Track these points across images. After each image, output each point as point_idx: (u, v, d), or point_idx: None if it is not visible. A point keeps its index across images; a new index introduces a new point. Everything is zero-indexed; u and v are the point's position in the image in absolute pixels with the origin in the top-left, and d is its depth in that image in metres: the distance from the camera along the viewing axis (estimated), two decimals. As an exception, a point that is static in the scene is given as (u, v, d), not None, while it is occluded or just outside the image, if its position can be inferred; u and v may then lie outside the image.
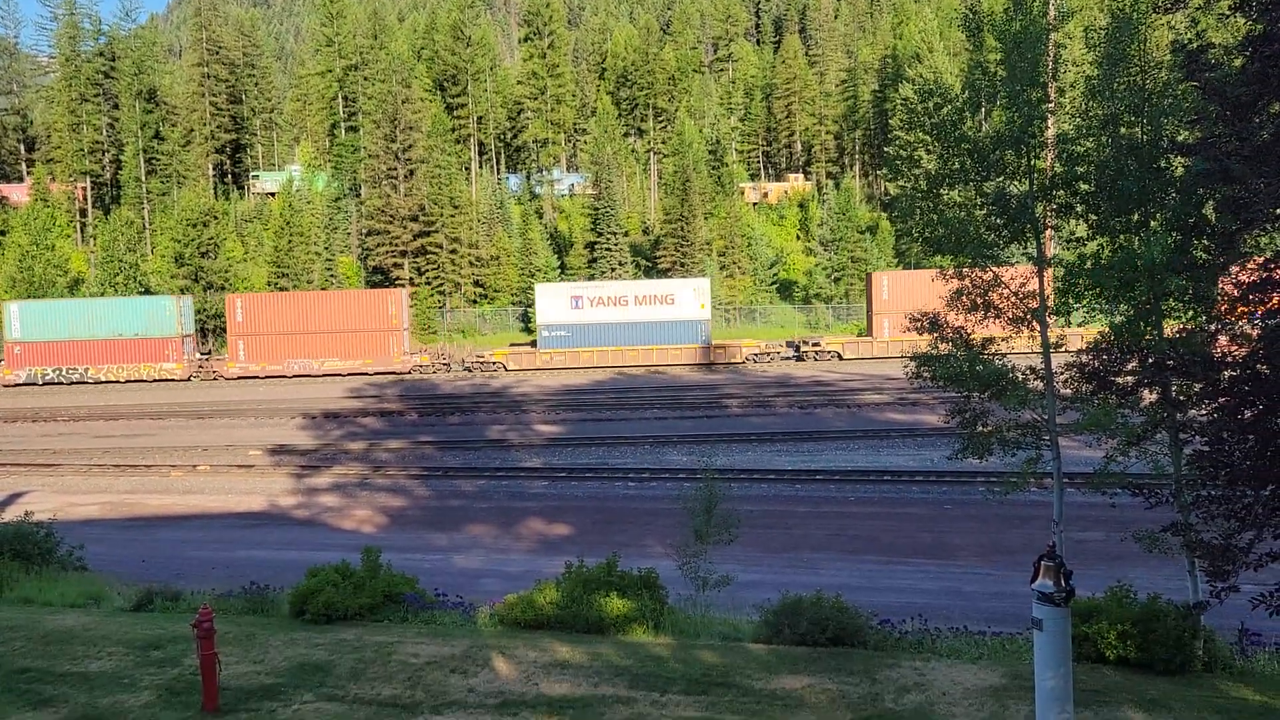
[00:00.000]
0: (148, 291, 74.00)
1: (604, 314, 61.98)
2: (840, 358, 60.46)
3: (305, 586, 14.08)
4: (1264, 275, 10.35)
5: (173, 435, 39.95)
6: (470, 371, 61.34)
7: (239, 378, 60.88)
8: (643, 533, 22.98)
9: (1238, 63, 10.87)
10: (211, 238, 74.80)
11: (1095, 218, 12.86)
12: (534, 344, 64.45)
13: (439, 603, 14.72)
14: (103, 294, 72.18)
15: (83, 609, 15.28)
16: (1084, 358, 12.85)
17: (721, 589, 15.18)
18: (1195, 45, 11.29)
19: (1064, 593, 10.10)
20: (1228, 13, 10.65)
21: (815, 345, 61.96)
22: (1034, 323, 13.26)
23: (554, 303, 62.50)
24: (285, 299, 64.42)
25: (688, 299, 62.11)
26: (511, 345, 68.47)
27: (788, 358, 61.49)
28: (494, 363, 61.49)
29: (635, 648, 12.53)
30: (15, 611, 14.92)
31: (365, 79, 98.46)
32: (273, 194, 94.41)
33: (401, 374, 60.52)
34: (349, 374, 60.66)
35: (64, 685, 11.54)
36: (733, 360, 60.49)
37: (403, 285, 77.56)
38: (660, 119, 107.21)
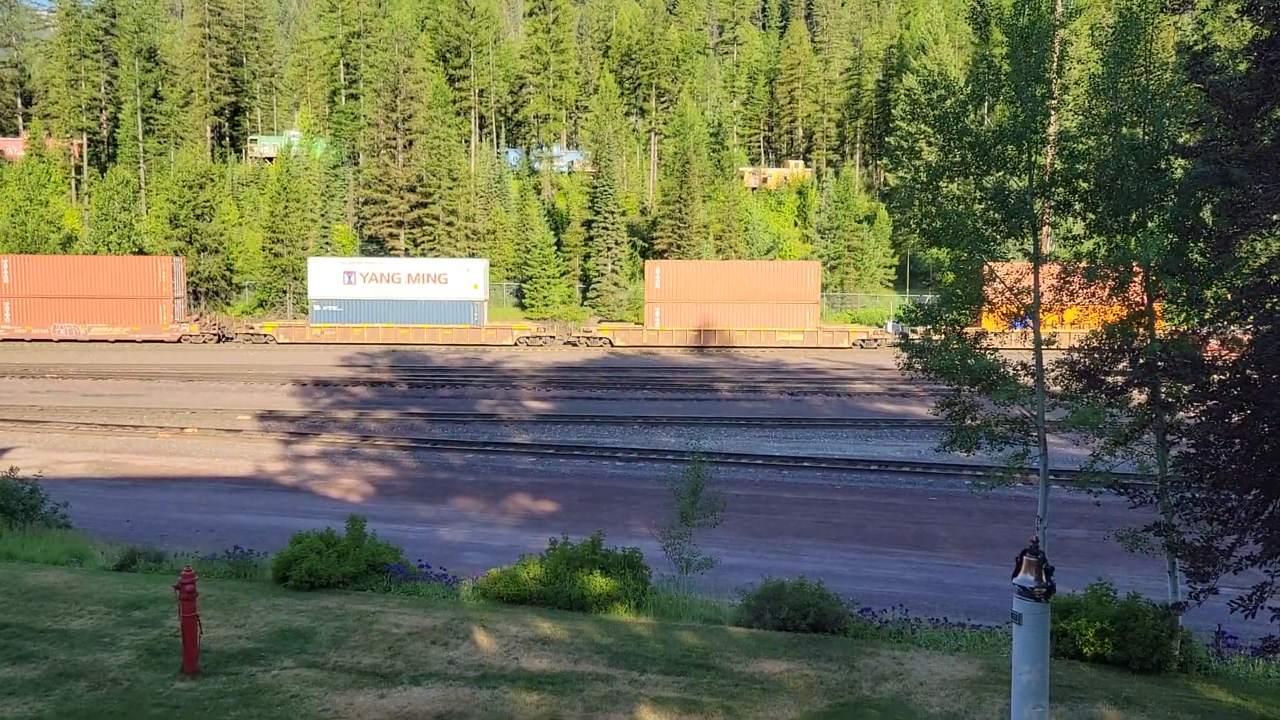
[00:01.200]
0: (141, 251, 73.67)
1: (376, 290, 61.93)
2: (612, 344, 61.02)
3: (289, 553, 14.08)
4: (1258, 280, 10.36)
5: (161, 396, 39.86)
6: (233, 340, 61.52)
7: (3, 340, 60.92)
8: (628, 512, 23.04)
9: (1242, 66, 10.85)
10: (207, 200, 74.39)
11: (1093, 216, 12.87)
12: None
13: (422, 574, 14.74)
14: (95, 252, 71.86)
15: (65, 567, 15.27)
16: (1075, 355, 12.88)
17: (704, 571, 15.24)
18: (1200, 47, 11.26)
19: (1044, 588, 10.15)
20: (1234, 16, 10.62)
21: (587, 333, 62.54)
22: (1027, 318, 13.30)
23: (327, 277, 62.16)
24: (54, 262, 64.17)
25: (461, 279, 62.20)
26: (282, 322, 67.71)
27: (568, 342, 61.94)
28: (264, 335, 61.50)
29: (616, 626, 12.57)
30: (-3, 566, 14.91)
31: (368, 47, 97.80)
32: (270, 159, 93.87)
33: (170, 342, 60.63)
34: (115, 340, 60.73)
35: (43, 642, 11.54)
36: (503, 343, 60.71)
37: (397, 254, 77.20)
38: (663, 100, 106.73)
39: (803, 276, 63.21)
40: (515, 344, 60.64)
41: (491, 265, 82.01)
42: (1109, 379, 12.67)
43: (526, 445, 31.13)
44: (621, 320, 69.99)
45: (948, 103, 13.09)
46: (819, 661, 11.48)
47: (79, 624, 12.19)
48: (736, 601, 13.73)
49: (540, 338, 61.61)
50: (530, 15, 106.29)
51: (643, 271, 66.82)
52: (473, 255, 74.66)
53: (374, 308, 61.82)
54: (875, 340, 60.65)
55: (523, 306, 76.91)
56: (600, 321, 70.13)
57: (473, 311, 61.99)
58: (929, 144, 14.34)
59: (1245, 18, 10.51)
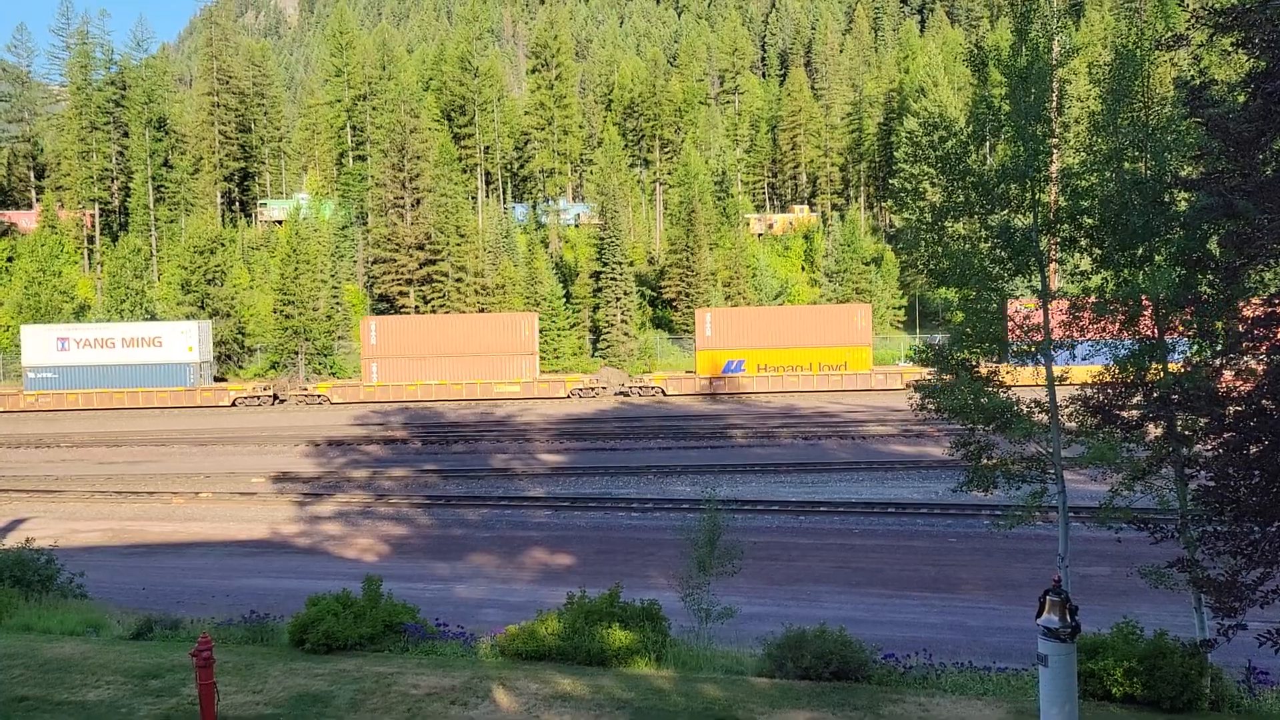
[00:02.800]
0: (153, 318, 74.23)
1: (91, 356, 61.57)
2: (330, 401, 60.94)
3: (305, 616, 14.00)
4: (1269, 311, 10.33)
5: (175, 462, 39.93)
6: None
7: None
8: (645, 563, 22.87)
9: (1241, 99, 10.91)
10: (218, 265, 75.07)
11: (1099, 251, 12.88)
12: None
13: (440, 633, 14.62)
14: (109, 320, 72.46)
15: (81, 637, 15.19)
16: (1089, 391, 12.82)
17: (724, 621, 15.07)
18: (1198, 82, 11.34)
19: (1069, 628, 10.02)
20: (1230, 49, 10.70)
21: (305, 389, 62.36)
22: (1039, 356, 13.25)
23: (40, 344, 61.84)
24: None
25: (176, 342, 61.99)
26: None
27: (265, 400, 61.40)
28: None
29: (637, 680, 12.43)
30: (14, 639, 14.85)
31: (373, 109, 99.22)
32: (280, 222, 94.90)
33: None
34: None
35: (61, 714, 11.46)
36: (219, 404, 60.64)
37: (407, 312, 77.65)
38: (666, 150, 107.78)
39: (517, 328, 63.22)
40: (233, 404, 60.49)
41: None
42: (1123, 413, 12.60)
43: (541, 499, 31.02)
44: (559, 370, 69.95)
45: (949, 144, 13.18)
46: (844, 710, 11.31)
47: (96, 695, 12.11)
48: (758, 651, 13.57)
49: (258, 398, 61.13)
50: (533, 72, 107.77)
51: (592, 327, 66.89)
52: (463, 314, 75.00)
53: (88, 373, 61.46)
54: (592, 390, 60.63)
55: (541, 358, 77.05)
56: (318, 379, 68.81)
57: (188, 373, 61.79)
58: (932, 185, 14.42)
59: (1241, 50, 10.60)
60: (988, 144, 13.81)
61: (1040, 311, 13.28)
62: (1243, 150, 10.56)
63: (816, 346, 61.56)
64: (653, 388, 61.18)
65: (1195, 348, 12.14)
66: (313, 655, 13.56)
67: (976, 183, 13.12)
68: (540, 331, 75.07)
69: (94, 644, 14.68)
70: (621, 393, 61.12)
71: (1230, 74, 13.02)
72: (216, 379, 68.40)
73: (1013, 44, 13.18)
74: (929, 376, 13.64)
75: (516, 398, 60.31)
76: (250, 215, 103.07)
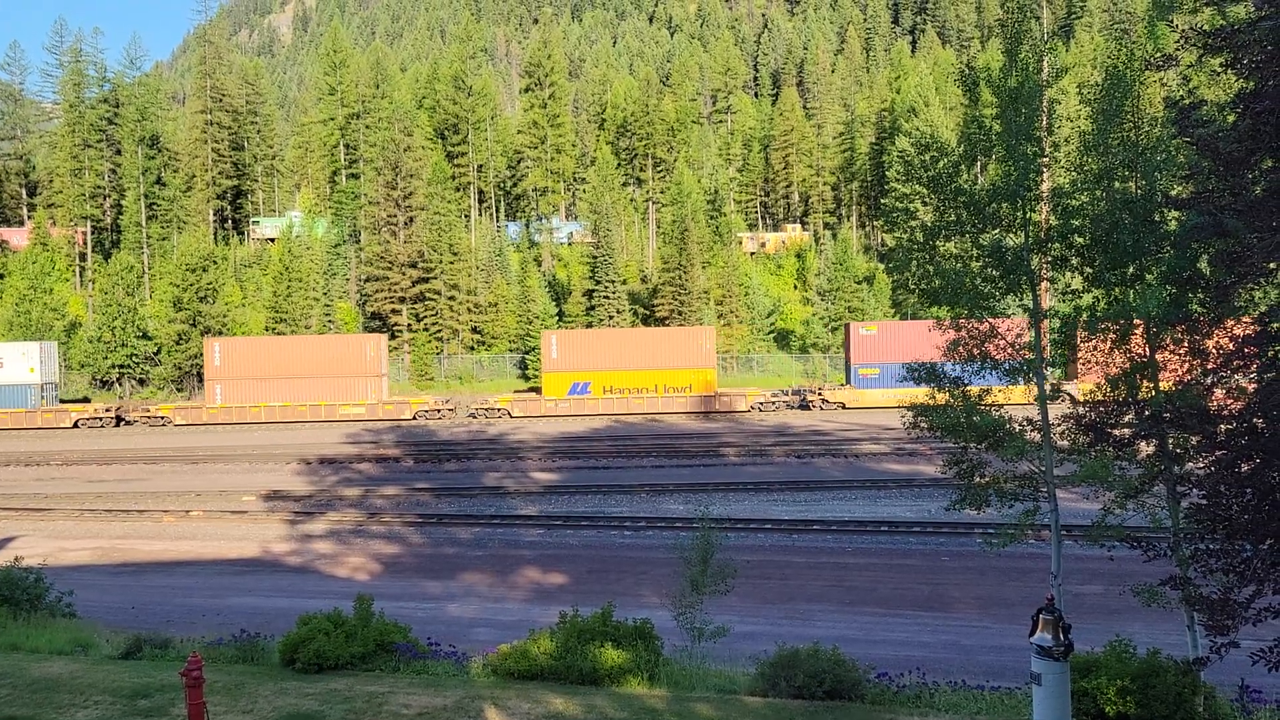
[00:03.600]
0: (145, 336, 74.08)
1: None
2: (174, 423, 60.59)
3: (296, 635, 13.91)
4: (1259, 329, 10.38)
5: (166, 480, 39.75)
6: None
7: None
8: (638, 582, 22.81)
9: (1230, 119, 11.00)
10: (210, 283, 75.03)
11: (1090, 270, 12.94)
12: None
13: (432, 652, 14.54)
14: (100, 338, 72.28)
15: (70, 656, 15.07)
16: (1081, 409, 12.85)
17: (717, 640, 15.02)
18: (1187, 102, 11.43)
19: (1063, 647, 10.01)
20: (1219, 70, 10.79)
21: (147, 410, 61.82)
22: (1030, 374, 13.29)
23: None
24: None
25: (17, 363, 61.40)
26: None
27: (108, 422, 60.75)
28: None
29: (630, 700, 12.37)
30: (2, 658, 14.72)
31: (367, 127, 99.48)
32: (272, 240, 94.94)
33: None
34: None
35: (49, 734, 11.36)
36: (60, 425, 60.23)
37: (400, 331, 77.66)
38: (659, 169, 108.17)
39: (362, 349, 62.76)
40: (75, 425, 59.84)
41: (494, 338, 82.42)
42: (1115, 432, 12.63)
43: (534, 517, 30.94)
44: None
45: (941, 163, 13.25)
46: (837, 730, 11.26)
47: (84, 715, 12.01)
48: (751, 670, 13.52)
49: (100, 419, 60.60)
50: (526, 91, 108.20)
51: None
52: (456, 332, 74.83)
53: None
54: (438, 412, 60.52)
55: (526, 378, 77.06)
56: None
57: (29, 395, 61.16)
58: (923, 204, 14.49)
59: (1230, 71, 10.69)
60: (978, 164, 13.89)
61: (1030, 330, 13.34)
62: (1232, 170, 10.63)
63: (662, 369, 61.61)
64: (498, 409, 60.89)
65: (1186, 366, 12.18)
66: (303, 675, 13.47)
67: (968, 202, 13.19)
68: (532, 350, 75.07)
69: (83, 663, 14.57)
70: (471, 415, 60.77)
71: (1219, 94, 13.13)
72: (64, 400, 67.76)
73: (1003, 65, 13.28)
74: (772, 398, 13.62)
75: (361, 419, 60.19)
76: (243, 233, 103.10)
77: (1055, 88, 13.42)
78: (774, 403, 61.14)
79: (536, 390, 67.93)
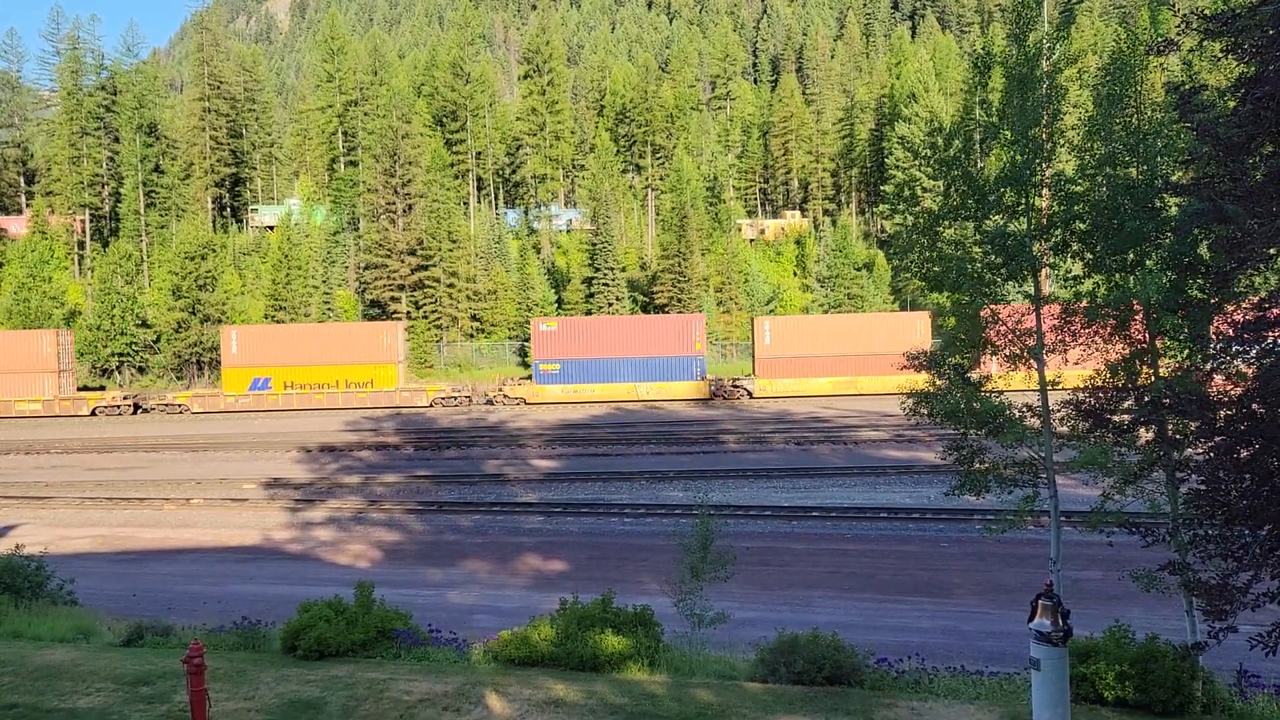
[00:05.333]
0: (144, 324, 74.05)
1: None
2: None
3: (297, 622, 13.95)
4: (1259, 315, 10.37)
5: (166, 468, 39.79)
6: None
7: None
8: (638, 569, 22.86)
9: (1230, 104, 10.97)
10: (209, 271, 74.94)
11: (1091, 256, 12.93)
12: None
13: (432, 639, 14.58)
14: (99, 326, 72.22)
15: (72, 644, 15.12)
16: (1080, 395, 12.85)
17: (717, 626, 15.06)
18: (1188, 87, 11.40)
19: (1061, 632, 10.05)
20: (1220, 55, 10.76)
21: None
22: (1031, 360, 13.28)
23: None
24: None
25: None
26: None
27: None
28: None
29: (630, 686, 12.41)
30: (4, 646, 14.77)
31: (365, 114, 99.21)
32: (271, 227, 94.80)
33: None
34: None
35: (52, 721, 11.40)
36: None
37: (399, 318, 77.65)
38: (658, 156, 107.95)
39: (37, 344, 61.45)
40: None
41: (493, 325, 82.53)
42: (1115, 418, 12.63)
43: (534, 504, 30.99)
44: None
45: (954, 145, 13.20)
46: (836, 715, 11.31)
47: (86, 702, 12.05)
48: (750, 656, 13.56)
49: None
50: (525, 78, 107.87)
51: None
52: (455, 319, 74.66)
53: None
54: (116, 408, 59.74)
55: (525, 365, 77.06)
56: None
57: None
58: (923, 190, 14.46)
59: (1230, 56, 10.65)
60: (979, 149, 13.86)
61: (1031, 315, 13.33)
62: (1232, 155, 10.61)
63: (345, 364, 61.29)
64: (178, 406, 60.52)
65: (1186, 352, 12.18)
66: (305, 662, 13.52)
67: (974, 187, 13.16)
68: (531, 337, 74.86)
69: (84, 651, 14.61)
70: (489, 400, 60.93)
71: (1220, 79, 13.08)
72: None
73: (1006, 51, 13.23)
74: (454, 392, 13.63)
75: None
76: (241, 221, 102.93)
77: (1062, 75, 13.36)
78: (455, 398, 60.74)
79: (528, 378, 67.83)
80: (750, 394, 60.14)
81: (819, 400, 58.78)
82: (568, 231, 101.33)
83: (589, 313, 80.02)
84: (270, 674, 12.95)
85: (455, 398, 60.84)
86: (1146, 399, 12.21)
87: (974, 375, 13.52)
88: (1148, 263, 12.45)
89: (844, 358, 60.22)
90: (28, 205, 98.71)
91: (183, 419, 59.03)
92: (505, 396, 60.71)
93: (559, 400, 59.98)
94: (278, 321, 72.44)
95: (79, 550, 26.59)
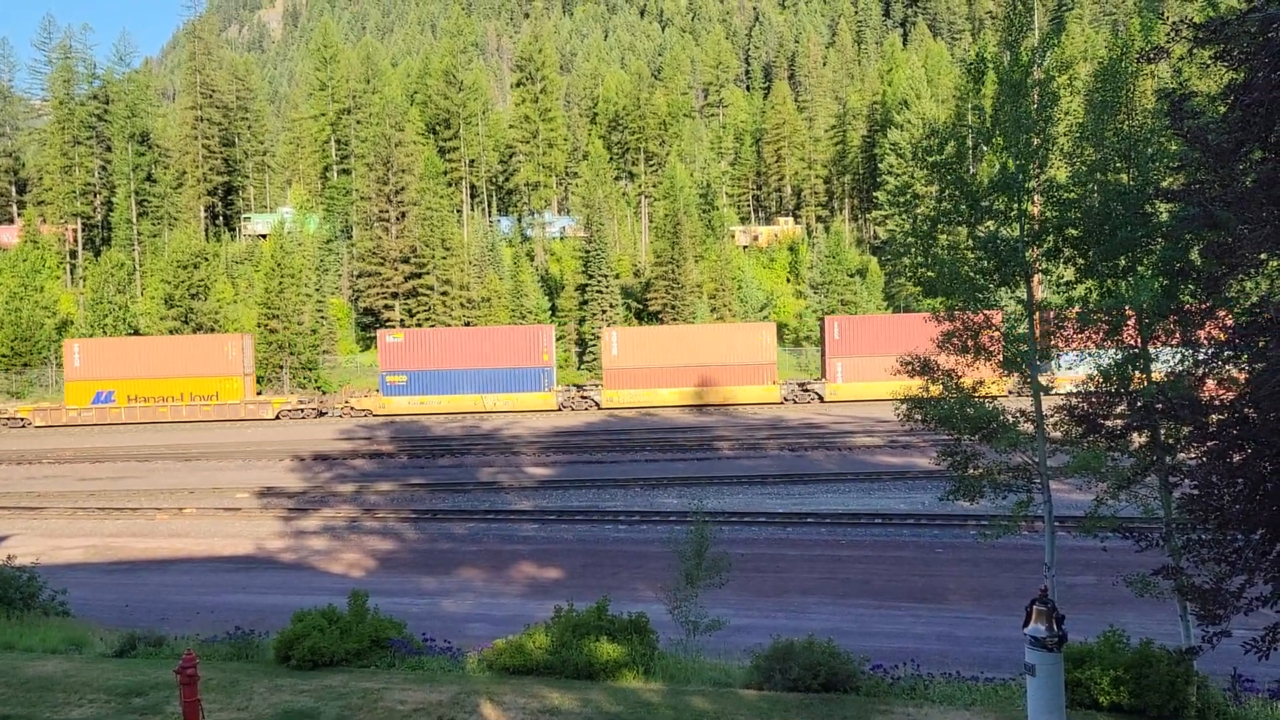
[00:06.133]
0: (137, 333, 73.87)
1: None
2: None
3: (291, 631, 13.91)
4: (1249, 320, 10.40)
5: (159, 477, 39.66)
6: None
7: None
8: (633, 576, 22.83)
9: (1220, 110, 11.01)
10: (202, 279, 74.80)
11: (1083, 262, 12.96)
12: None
13: (427, 648, 14.55)
14: (91, 335, 72.00)
15: (64, 655, 15.05)
16: (1073, 400, 12.87)
17: (712, 633, 15.06)
18: (1178, 93, 11.44)
19: (1056, 638, 10.06)
20: (1209, 62, 10.81)
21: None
22: (1024, 365, 13.31)
23: None
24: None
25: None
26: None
27: None
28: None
29: (626, 694, 12.39)
30: (-4, 657, 14.70)
31: (358, 122, 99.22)
32: (264, 236, 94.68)
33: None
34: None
35: (44, 733, 11.35)
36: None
37: (393, 326, 77.55)
38: (651, 163, 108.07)
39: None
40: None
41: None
42: (1108, 423, 12.66)
43: (529, 512, 30.95)
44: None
45: (949, 148, 13.22)
46: (832, 722, 11.30)
47: (79, 714, 11.99)
48: (746, 663, 13.55)
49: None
50: (518, 85, 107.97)
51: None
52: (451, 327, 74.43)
53: None
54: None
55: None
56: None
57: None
58: (917, 196, 14.49)
59: (1220, 62, 10.69)
60: (971, 154, 13.90)
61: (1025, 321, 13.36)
62: (1222, 161, 10.64)
63: (189, 377, 60.82)
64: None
65: (1178, 356, 12.21)
66: (298, 671, 13.47)
67: (966, 193, 13.20)
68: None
69: (77, 662, 14.55)
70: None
71: (1210, 85, 13.15)
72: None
73: (998, 56, 13.28)
74: (299, 405, 13.59)
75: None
76: (234, 229, 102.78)
77: (1057, 82, 13.41)
78: (301, 410, 60.53)
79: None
80: (598, 405, 59.83)
81: (667, 411, 58.49)
82: (561, 239, 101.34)
83: (583, 320, 79.96)
84: (264, 684, 12.91)
85: (301, 410, 60.69)
86: (1139, 404, 12.23)
87: (966, 381, 13.53)
88: (1139, 268, 12.49)
89: (691, 368, 59.80)
90: (19, 215, 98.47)
91: (24, 433, 58.45)
92: (351, 409, 60.42)
93: (405, 412, 59.55)
94: (271, 330, 72.21)
95: (71, 560, 26.48)
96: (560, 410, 59.68)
